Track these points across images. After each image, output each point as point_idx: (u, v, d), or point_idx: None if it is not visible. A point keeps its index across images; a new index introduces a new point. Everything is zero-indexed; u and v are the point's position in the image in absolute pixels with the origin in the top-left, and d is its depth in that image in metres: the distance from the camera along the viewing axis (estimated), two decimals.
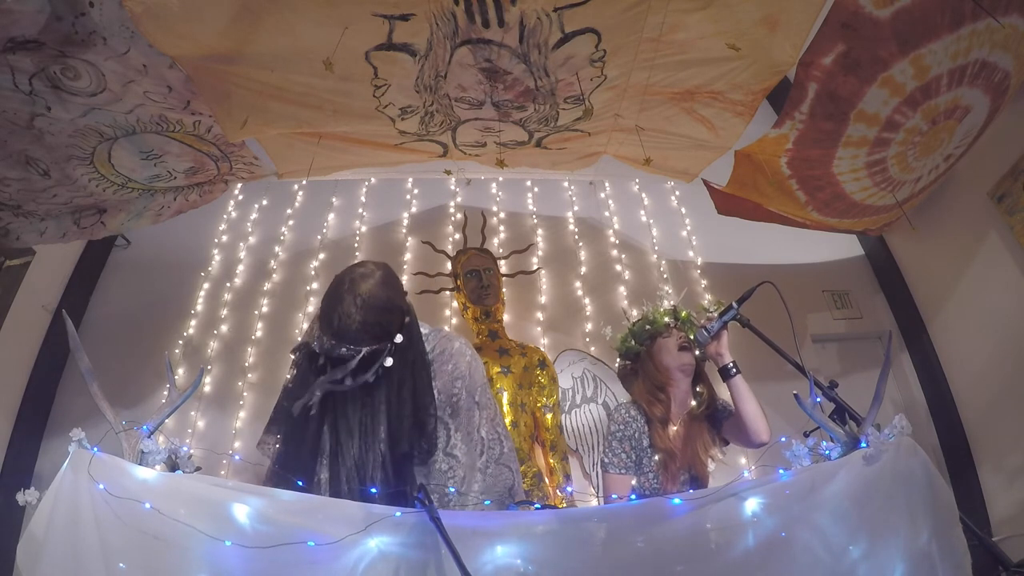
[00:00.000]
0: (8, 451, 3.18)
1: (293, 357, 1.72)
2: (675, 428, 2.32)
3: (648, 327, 2.48)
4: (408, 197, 4.20)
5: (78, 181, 2.66)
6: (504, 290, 3.50)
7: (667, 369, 2.38)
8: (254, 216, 4.09)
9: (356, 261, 1.75)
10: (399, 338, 1.60)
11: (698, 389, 2.40)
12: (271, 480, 1.68)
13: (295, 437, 1.67)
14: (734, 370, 2.24)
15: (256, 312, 3.74)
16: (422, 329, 1.78)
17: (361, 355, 1.53)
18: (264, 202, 4.13)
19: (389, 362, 1.57)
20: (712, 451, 2.31)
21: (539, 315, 3.78)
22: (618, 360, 2.65)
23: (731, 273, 3.90)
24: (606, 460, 2.31)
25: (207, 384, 3.49)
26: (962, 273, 3.44)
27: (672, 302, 2.55)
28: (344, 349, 1.53)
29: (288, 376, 1.73)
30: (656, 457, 2.27)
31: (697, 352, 2.41)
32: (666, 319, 2.47)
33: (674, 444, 2.28)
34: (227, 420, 3.43)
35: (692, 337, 2.38)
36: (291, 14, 2.04)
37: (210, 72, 2.22)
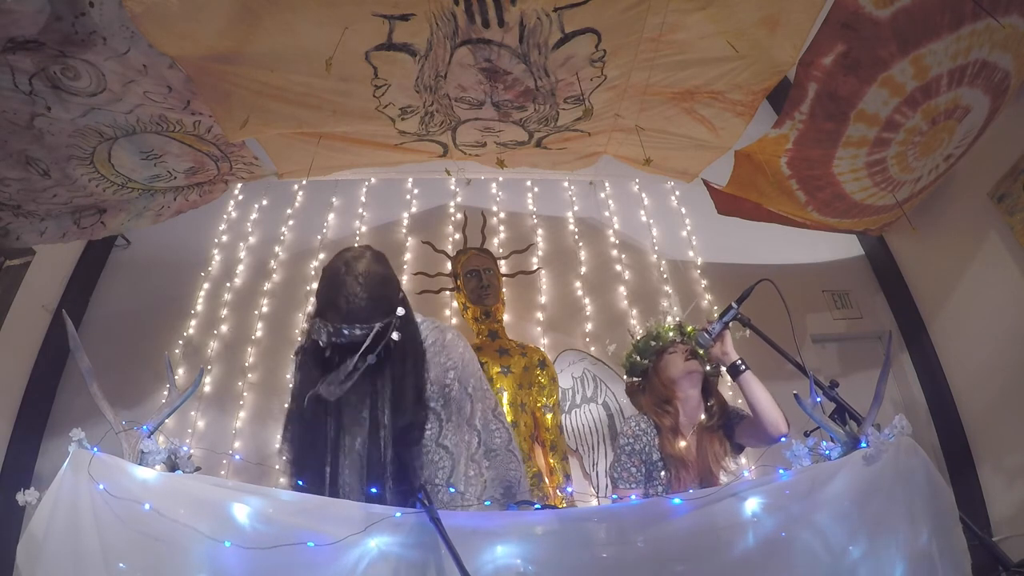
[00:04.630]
0: (8, 451, 3.18)
1: (296, 360, 1.72)
2: (684, 442, 2.29)
3: (653, 343, 2.46)
4: (408, 197, 4.20)
5: (78, 181, 2.66)
6: (504, 290, 3.50)
7: (673, 382, 2.35)
8: (254, 216, 4.09)
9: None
10: (401, 311, 1.62)
11: (709, 403, 2.36)
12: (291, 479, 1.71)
13: (307, 435, 1.68)
14: (743, 367, 2.22)
15: (256, 312, 3.73)
16: (416, 318, 1.78)
17: (374, 331, 1.53)
18: (264, 202, 4.13)
19: (396, 336, 1.58)
20: (724, 462, 2.27)
21: (539, 315, 3.78)
22: (625, 377, 2.62)
23: (731, 273, 3.89)
24: (615, 475, 2.29)
25: (207, 384, 3.49)
26: (962, 273, 3.44)
27: (678, 317, 2.52)
28: (357, 329, 1.53)
29: (296, 381, 1.73)
30: (662, 473, 2.24)
31: (702, 354, 2.38)
32: (671, 334, 2.44)
33: (685, 453, 2.26)
34: (227, 420, 3.43)
35: (701, 352, 2.35)
36: (291, 14, 2.04)
37: (210, 72, 2.22)
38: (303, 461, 1.69)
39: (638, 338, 2.55)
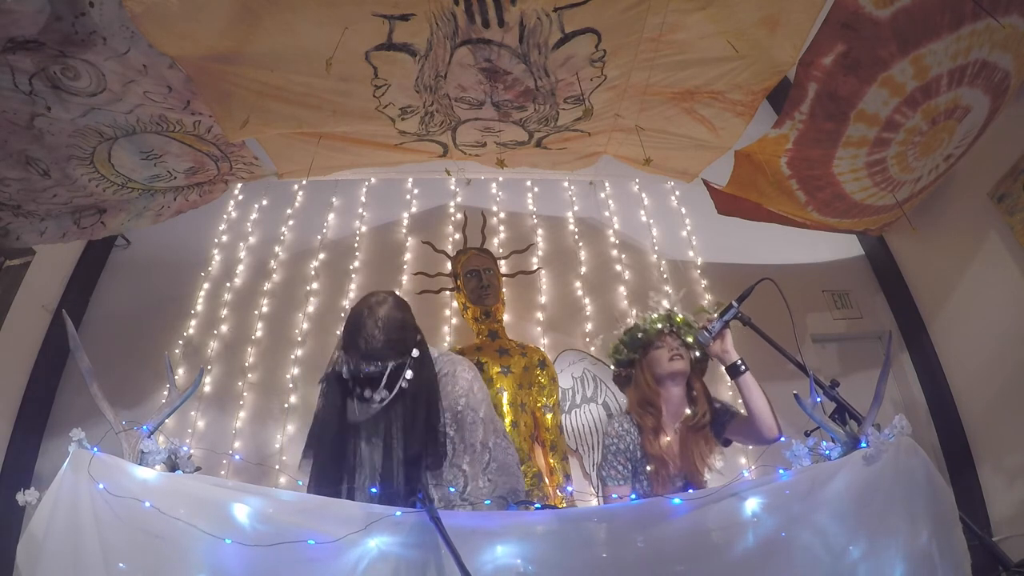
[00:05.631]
0: (8, 451, 3.18)
1: (321, 387, 1.88)
2: (668, 438, 2.30)
3: (641, 335, 2.44)
4: (408, 197, 4.19)
5: (78, 181, 2.66)
6: (504, 290, 3.49)
7: (658, 381, 2.35)
8: (254, 216, 4.09)
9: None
10: (416, 352, 1.79)
11: (694, 392, 2.36)
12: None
13: (328, 458, 1.82)
14: (743, 367, 2.22)
15: (256, 312, 3.73)
16: (432, 352, 1.92)
17: (388, 370, 1.72)
18: (264, 202, 4.13)
19: (410, 375, 1.75)
20: (710, 460, 2.27)
21: (539, 315, 3.78)
22: (612, 367, 2.62)
23: (731, 273, 3.89)
24: (604, 473, 2.32)
25: (207, 384, 3.48)
26: (962, 273, 3.44)
27: (669, 304, 2.51)
28: (373, 367, 1.71)
29: (319, 405, 1.88)
30: (648, 468, 2.26)
31: (692, 341, 2.37)
32: (659, 326, 2.42)
33: (667, 452, 2.27)
34: (227, 420, 3.43)
35: (690, 339, 2.35)
36: (291, 14, 2.04)
37: (210, 72, 2.22)
38: (323, 481, 1.79)
39: (626, 330, 2.52)
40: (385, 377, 1.71)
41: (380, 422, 1.78)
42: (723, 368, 2.28)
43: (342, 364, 1.77)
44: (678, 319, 2.43)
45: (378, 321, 1.74)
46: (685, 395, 2.36)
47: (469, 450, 1.86)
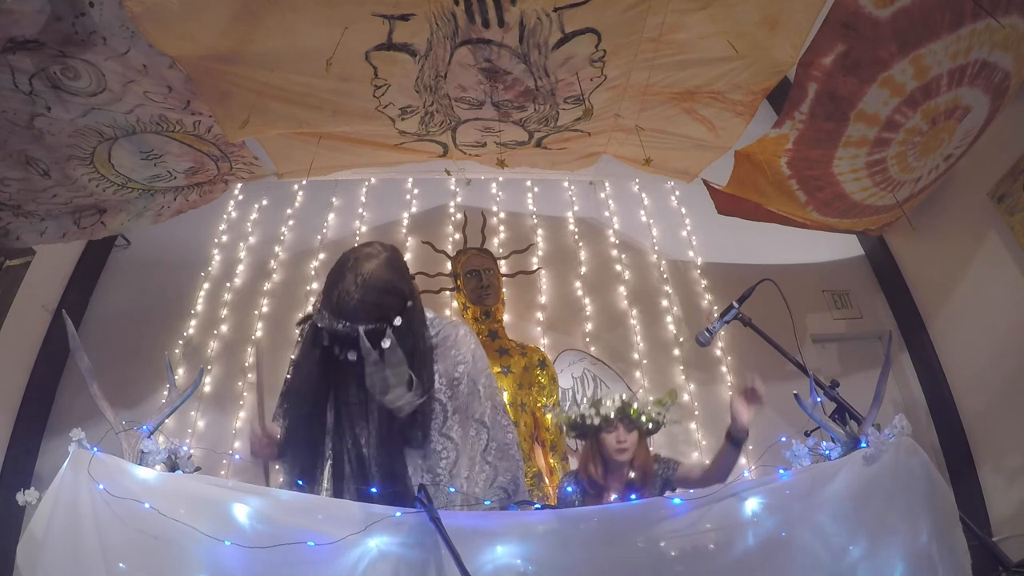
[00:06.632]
0: (8, 451, 3.18)
1: (298, 330, 1.69)
2: (613, 498, 2.36)
3: (594, 419, 2.47)
4: (408, 197, 4.20)
5: (78, 181, 2.66)
6: (504, 290, 3.50)
7: (604, 462, 2.43)
8: (254, 216, 4.09)
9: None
10: (398, 321, 1.58)
11: (636, 462, 2.41)
12: (283, 456, 1.72)
13: (302, 413, 1.67)
14: (743, 441, 2.27)
15: (256, 312, 3.73)
16: (428, 314, 1.76)
17: (360, 333, 1.51)
18: (264, 202, 4.13)
19: (387, 343, 1.53)
20: None
21: (539, 315, 3.78)
22: (564, 434, 2.70)
23: (731, 273, 3.89)
24: None
25: (207, 384, 3.49)
26: (962, 273, 3.44)
27: (623, 395, 2.53)
28: (341, 326, 1.52)
29: (297, 353, 1.70)
30: None
31: (650, 427, 2.47)
32: (611, 415, 2.45)
33: None
34: (227, 420, 3.43)
35: (645, 418, 2.44)
36: (291, 14, 2.04)
37: (210, 72, 2.23)
38: (295, 437, 1.68)
39: (579, 413, 2.54)
40: (359, 339, 1.50)
41: (357, 389, 1.61)
42: (727, 432, 2.30)
43: (317, 312, 1.57)
44: (632, 410, 2.46)
45: (358, 277, 1.54)
46: (629, 463, 2.43)
47: (463, 422, 1.70)
